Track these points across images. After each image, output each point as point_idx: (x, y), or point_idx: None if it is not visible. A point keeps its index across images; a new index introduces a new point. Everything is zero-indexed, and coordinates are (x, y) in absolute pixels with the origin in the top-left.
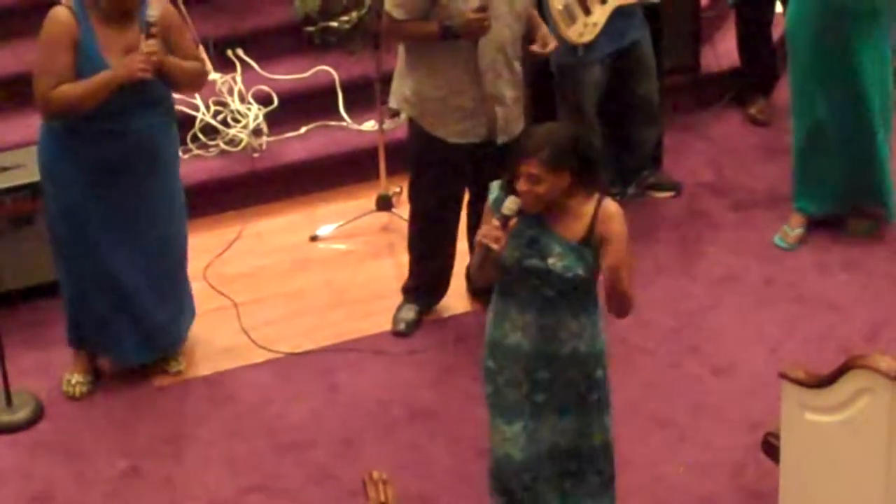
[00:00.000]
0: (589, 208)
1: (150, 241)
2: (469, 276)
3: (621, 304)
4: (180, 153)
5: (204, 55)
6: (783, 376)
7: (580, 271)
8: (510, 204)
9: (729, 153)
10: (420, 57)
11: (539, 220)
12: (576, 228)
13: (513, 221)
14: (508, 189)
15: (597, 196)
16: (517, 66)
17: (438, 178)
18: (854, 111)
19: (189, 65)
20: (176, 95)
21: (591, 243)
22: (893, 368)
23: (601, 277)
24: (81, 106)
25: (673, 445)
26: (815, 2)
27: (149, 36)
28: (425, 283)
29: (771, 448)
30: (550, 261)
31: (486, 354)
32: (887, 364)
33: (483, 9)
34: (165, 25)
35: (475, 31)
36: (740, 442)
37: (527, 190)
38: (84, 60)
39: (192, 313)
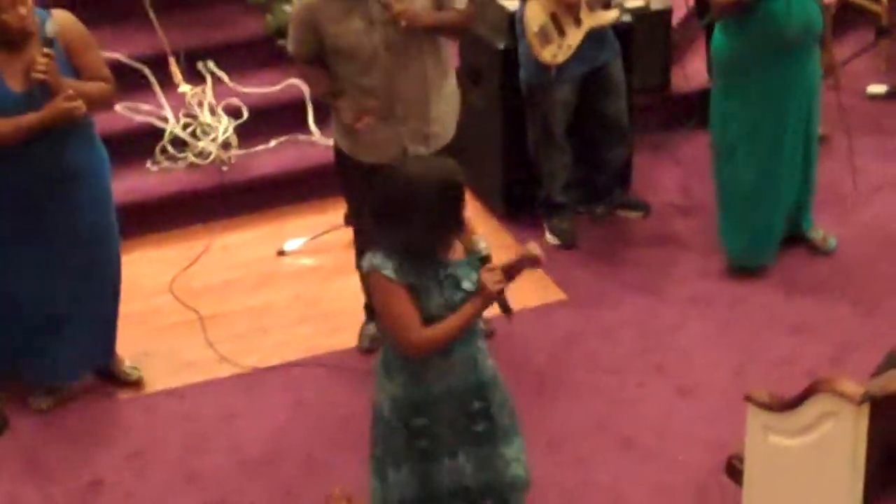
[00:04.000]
0: None
1: (77, 264)
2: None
3: None
4: (149, 165)
5: (174, 68)
6: (748, 399)
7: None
8: (484, 243)
9: (697, 174)
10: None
11: (437, 260)
12: (456, 248)
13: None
14: (444, 234)
15: None
16: (424, 83)
17: (356, 195)
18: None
19: (89, 86)
20: (145, 107)
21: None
22: (858, 393)
23: None
24: (4, 143)
25: (637, 466)
26: (758, 40)
27: (44, 54)
28: None
29: (734, 471)
30: (465, 285)
31: (406, 416)
32: (852, 388)
33: (358, 118)
34: (67, 42)
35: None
36: (704, 463)
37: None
38: None
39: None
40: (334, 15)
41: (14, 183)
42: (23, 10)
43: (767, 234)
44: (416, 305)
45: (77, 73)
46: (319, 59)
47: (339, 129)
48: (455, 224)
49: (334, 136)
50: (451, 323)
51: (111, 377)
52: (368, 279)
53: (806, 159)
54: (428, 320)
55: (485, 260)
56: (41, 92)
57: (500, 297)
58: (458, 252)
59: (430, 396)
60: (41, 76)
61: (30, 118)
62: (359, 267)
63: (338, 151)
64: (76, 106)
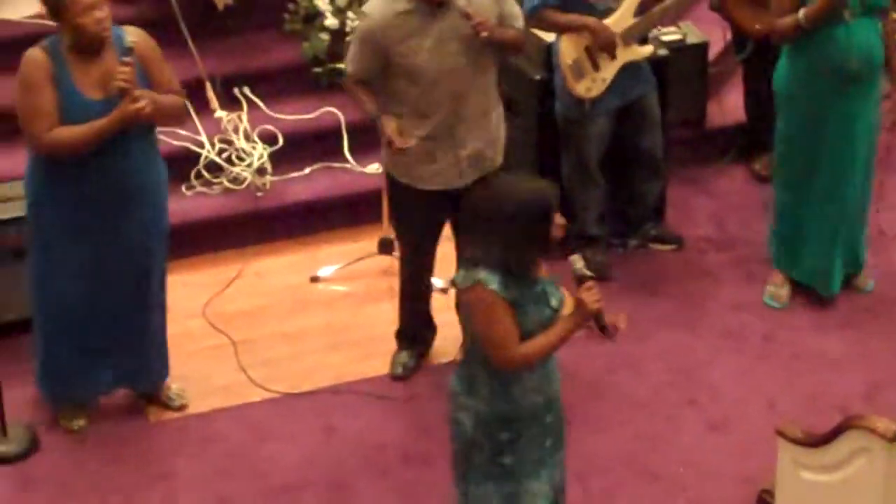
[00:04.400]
0: None
1: (129, 275)
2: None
3: None
4: (184, 189)
5: (211, 94)
6: (779, 434)
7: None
8: (580, 263)
9: (732, 208)
10: (384, 104)
11: (534, 280)
12: (541, 265)
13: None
14: (537, 252)
15: None
16: (482, 105)
17: (414, 225)
18: (841, 175)
19: (167, 98)
20: (182, 132)
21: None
22: (890, 430)
23: None
24: (76, 150)
25: (666, 499)
26: (817, 67)
27: (124, 63)
28: (412, 327)
29: None
30: (553, 303)
31: (493, 430)
32: (884, 425)
33: (400, 133)
34: (142, 56)
35: (395, 149)
36: (734, 498)
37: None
38: (62, 96)
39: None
40: (404, 33)
41: (81, 193)
42: (100, 14)
43: (807, 252)
44: (515, 322)
45: (150, 86)
46: (370, 83)
47: (396, 160)
48: (546, 243)
49: (387, 167)
50: (547, 340)
51: (154, 400)
52: (469, 293)
53: (864, 196)
54: (524, 337)
55: (583, 279)
56: (119, 101)
57: (598, 317)
58: (542, 270)
59: (516, 412)
60: (123, 84)
61: (100, 122)
62: (453, 282)
63: (392, 182)
64: (141, 106)
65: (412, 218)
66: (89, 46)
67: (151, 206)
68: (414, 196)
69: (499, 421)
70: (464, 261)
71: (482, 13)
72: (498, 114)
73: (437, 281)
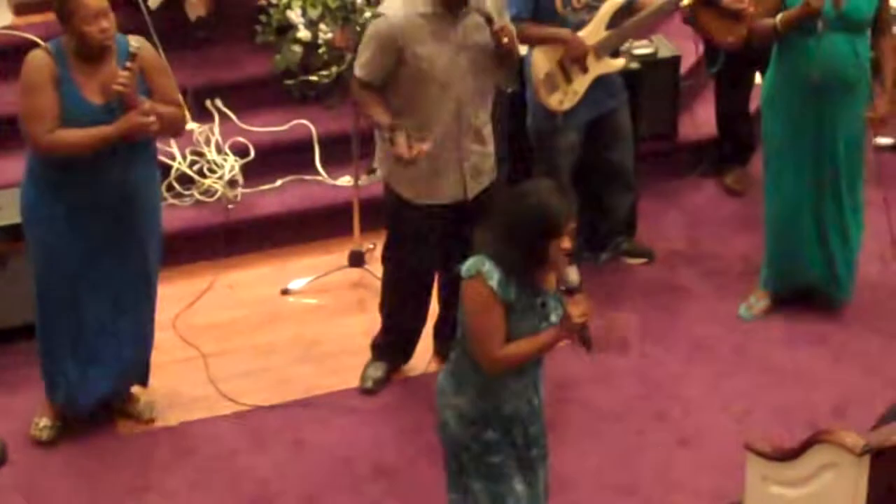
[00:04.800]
0: None
1: (128, 279)
2: (440, 337)
3: None
4: None
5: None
6: (748, 448)
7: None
8: (574, 275)
9: (703, 222)
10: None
11: (537, 288)
12: (550, 278)
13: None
14: (533, 258)
15: None
16: (482, 117)
17: (413, 239)
18: (824, 189)
19: (166, 110)
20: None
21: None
22: (858, 445)
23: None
24: (76, 153)
25: None
26: (788, 74)
27: (126, 68)
28: (396, 342)
29: None
30: (553, 318)
31: (477, 429)
32: (853, 440)
33: (411, 148)
34: (144, 64)
35: (405, 161)
36: None
37: (572, 244)
38: (64, 98)
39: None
40: (422, 36)
41: (82, 198)
42: (105, 24)
43: (788, 261)
44: (507, 324)
45: (149, 95)
46: (378, 89)
47: (399, 174)
48: (542, 257)
49: (391, 183)
50: (528, 346)
51: (123, 413)
52: (468, 284)
53: (842, 213)
54: (512, 341)
55: (573, 291)
56: (119, 106)
57: (582, 331)
58: (551, 283)
59: (500, 414)
60: (121, 89)
61: (105, 129)
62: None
63: (395, 197)
64: (151, 122)
65: (414, 233)
66: (92, 53)
67: (149, 212)
68: (417, 212)
69: (483, 420)
70: (476, 253)
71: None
72: (490, 128)
73: None
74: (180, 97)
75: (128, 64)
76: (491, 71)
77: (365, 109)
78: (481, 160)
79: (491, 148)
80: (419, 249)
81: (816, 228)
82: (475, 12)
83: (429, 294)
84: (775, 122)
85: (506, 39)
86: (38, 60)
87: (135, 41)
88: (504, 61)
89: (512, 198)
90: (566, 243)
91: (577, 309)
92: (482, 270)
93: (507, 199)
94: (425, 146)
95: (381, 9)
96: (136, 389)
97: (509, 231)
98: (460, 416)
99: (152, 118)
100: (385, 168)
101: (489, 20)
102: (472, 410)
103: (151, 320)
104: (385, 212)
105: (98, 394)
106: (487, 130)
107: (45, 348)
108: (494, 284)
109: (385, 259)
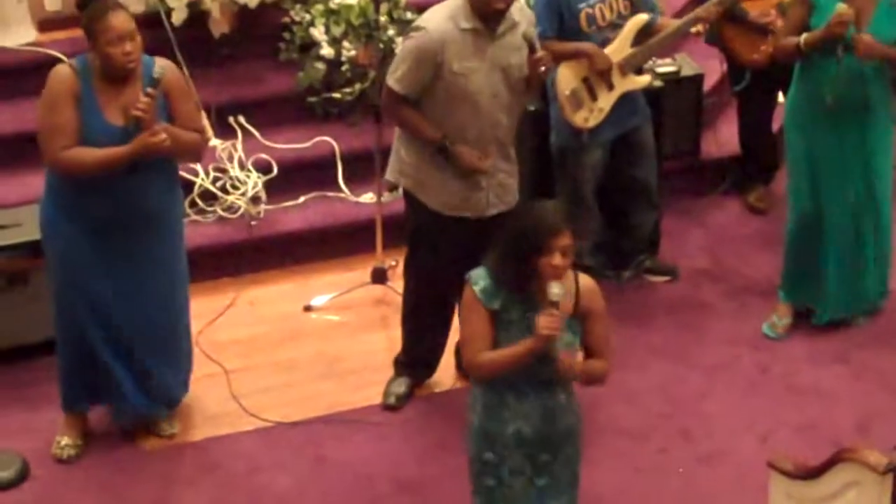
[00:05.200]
0: (569, 284)
1: (149, 298)
2: (460, 354)
3: (602, 376)
4: None
5: (206, 122)
6: (772, 466)
7: (577, 345)
8: (556, 289)
9: (726, 240)
10: None
11: (533, 302)
12: (564, 304)
13: (563, 306)
14: (516, 270)
15: (570, 271)
16: (510, 136)
17: (436, 252)
18: (846, 206)
19: (185, 135)
20: None
21: (577, 317)
22: (881, 463)
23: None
24: (89, 173)
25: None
26: (809, 93)
27: (147, 94)
28: (419, 358)
29: None
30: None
31: (480, 447)
32: (876, 458)
33: (483, 162)
34: (168, 88)
35: (470, 170)
36: None
37: (563, 263)
38: (85, 116)
39: (189, 370)
40: (462, 52)
41: (101, 215)
42: (129, 47)
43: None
44: (497, 333)
45: (171, 120)
46: (414, 105)
47: (430, 186)
48: (527, 266)
49: (418, 194)
50: (501, 354)
51: (145, 429)
52: (465, 289)
53: (859, 237)
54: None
55: (555, 305)
56: (135, 130)
57: (549, 344)
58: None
59: (501, 435)
60: (140, 115)
61: (118, 150)
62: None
63: (418, 207)
64: (161, 140)
65: (437, 245)
66: (116, 74)
67: (171, 231)
68: (443, 224)
69: (485, 439)
70: (483, 264)
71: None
72: (514, 148)
73: None
74: (205, 121)
75: (149, 90)
76: (520, 92)
77: (408, 123)
78: (507, 178)
79: (515, 167)
80: (441, 262)
81: (837, 247)
82: (520, 35)
83: (451, 308)
84: (797, 141)
85: (543, 69)
86: (62, 76)
87: (159, 66)
88: (532, 84)
89: (514, 214)
90: (556, 260)
91: (546, 321)
92: (471, 274)
93: (512, 215)
94: (489, 161)
95: (420, 22)
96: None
97: (504, 245)
98: (470, 431)
99: (161, 137)
100: (411, 179)
101: (532, 48)
102: (477, 428)
103: (182, 338)
104: (408, 224)
105: (124, 407)
106: (513, 151)
107: (66, 362)
108: (478, 291)
109: (407, 272)
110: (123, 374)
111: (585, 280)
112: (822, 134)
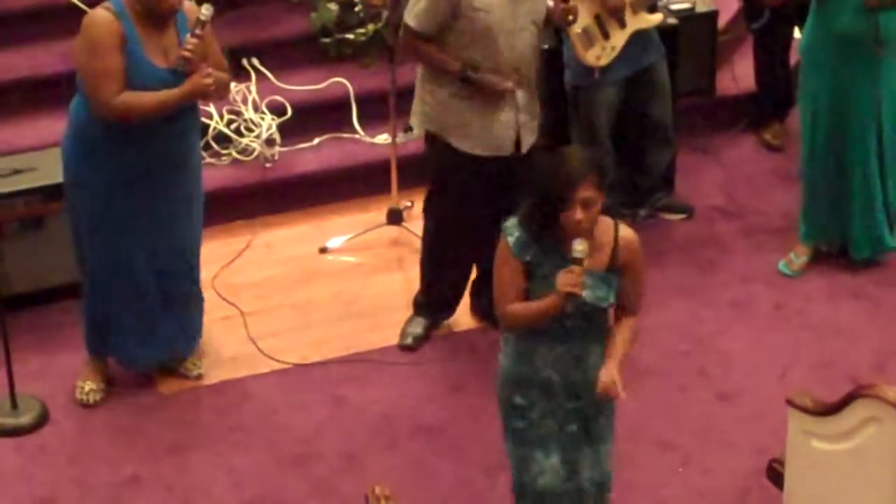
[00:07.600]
0: (608, 236)
1: (171, 242)
2: (476, 296)
3: (633, 341)
4: None
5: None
6: (790, 403)
7: (612, 299)
8: (580, 246)
9: (742, 177)
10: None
11: (564, 256)
12: (600, 258)
13: (586, 263)
14: (539, 223)
15: (611, 222)
16: (533, 72)
17: (462, 193)
18: (867, 144)
19: (220, 75)
20: None
21: (615, 270)
22: None
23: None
24: (148, 116)
25: (676, 469)
26: (824, 28)
27: (194, 35)
28: (438, 299)
29: (776, 475)
30: (585, 293)
31: (510, 391)
32: (895, 394)
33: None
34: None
35: (494, 92)
36: (745, 468)
37: (585, 216)
38: (130, 60)
39: (201, 315)
40: None
41: (137, 163)
42: None
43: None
44: (530, 285)
45: (203, 60)
46: (428, 39)
47: (454, 124)
48: (551, 217)
49: (442, 133)
50: (527, 308)
51: (171, 371)
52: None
53: (881, 168)
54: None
55: (574, 262)
56: (182, 71)
57: (570, 301)
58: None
59: (532, 379)
60: (188, 55)
61: (171, 92)
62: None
63: (444, 147)
64: (211, 83)
65: (462, 185)
66: (160, 18)
67: (196, 176)
68: (468, 162)
69: (515, 383)
70: (517, 212)
71: None
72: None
73: None
74: (226, 62)
75: (197, 31)
76: (541, 27)
77: (428, 59)
78: (530, 119)
79: (538, 108)
80: (466, 201)
81: (856, 183)
82: None
83: (471, 249)
84: (813, 76)
85: (571, 17)
86: (104, 19)
87: (206, 9)
88: (549, 23)
89: (534, 163)
90: (578, 214)
91: (565, 277)
92: (506, 225)
93: (532, 165)
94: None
95: None
96: None
97: (527, 198)
98: (502, 374)
99: (211, 80)
100: (434, 118)
101: None
102: (508, 371)
103: (197, 283)
104: (430, 164)
105: (152, 358)
106: (535, 87)
107: (92, 307)
108: (511, 241)
109: (428, 212)
110: (142, 322)
111: (626, 232)
112: (843, 67)
